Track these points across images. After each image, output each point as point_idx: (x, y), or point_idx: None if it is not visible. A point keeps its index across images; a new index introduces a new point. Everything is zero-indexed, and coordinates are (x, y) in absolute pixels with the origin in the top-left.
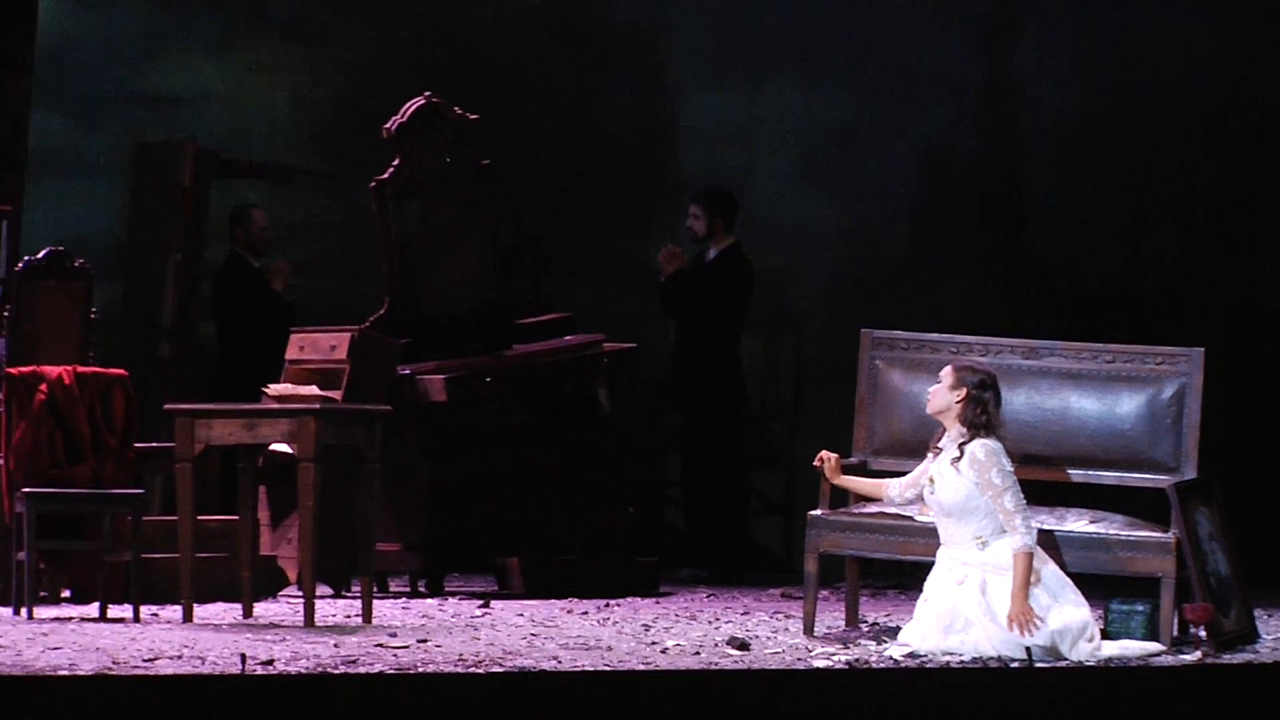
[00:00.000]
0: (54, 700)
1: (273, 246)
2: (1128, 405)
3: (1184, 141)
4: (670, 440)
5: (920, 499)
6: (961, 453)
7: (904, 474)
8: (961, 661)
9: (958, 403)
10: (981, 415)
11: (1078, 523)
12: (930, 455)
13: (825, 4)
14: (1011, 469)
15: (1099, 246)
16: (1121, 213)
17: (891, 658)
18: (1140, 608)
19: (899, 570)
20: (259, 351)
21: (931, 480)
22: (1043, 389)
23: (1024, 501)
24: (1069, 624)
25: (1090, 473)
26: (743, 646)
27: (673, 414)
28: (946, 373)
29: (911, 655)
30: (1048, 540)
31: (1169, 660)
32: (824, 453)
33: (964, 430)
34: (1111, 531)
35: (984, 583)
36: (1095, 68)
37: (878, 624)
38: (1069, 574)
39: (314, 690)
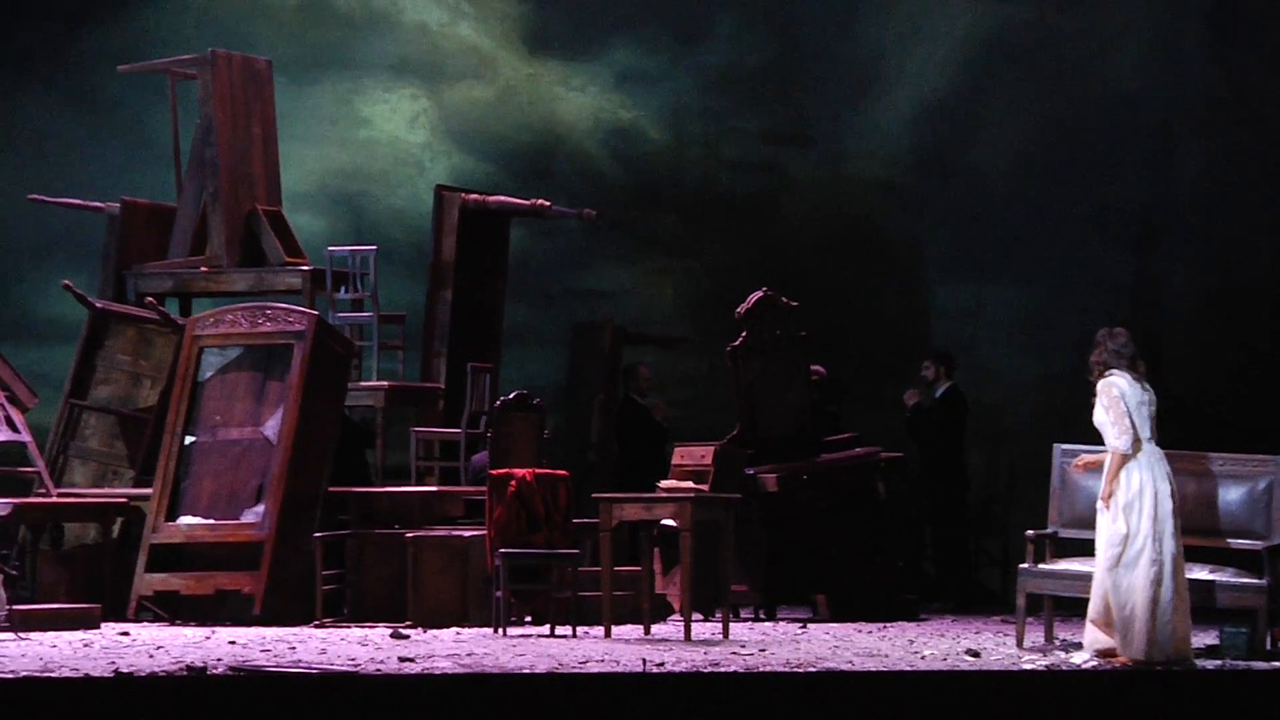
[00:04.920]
0: (520, 689)
1: (658, 390)
2: (1234, 494)
3: (1273, 315)
4: (923, 516)
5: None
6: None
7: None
8: (1127, 666)
9: (1096, 364)
10: (1105, 368)
11: (1201, 572)
12: None
13: (1024, 221)
14: (1111, 398)
15: (1217, 388)
16: (1231, 364)
17: (1076, 664)
18: (1244, 630)
19: (1080, 605)
20: (647, 460)
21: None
22: (1177, 484)
23: (1116, 419)
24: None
25: (1209, 539)
26: (975, 655)
27: (924, 499)
28: (1098, 340)
29: (1088, 660)
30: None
31: (1264, 666)
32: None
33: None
34: (1224, 578)
35: None
36: (1211, 263)
37: (1066, 640)
38: (1196, 606)
39: (690, 683)
